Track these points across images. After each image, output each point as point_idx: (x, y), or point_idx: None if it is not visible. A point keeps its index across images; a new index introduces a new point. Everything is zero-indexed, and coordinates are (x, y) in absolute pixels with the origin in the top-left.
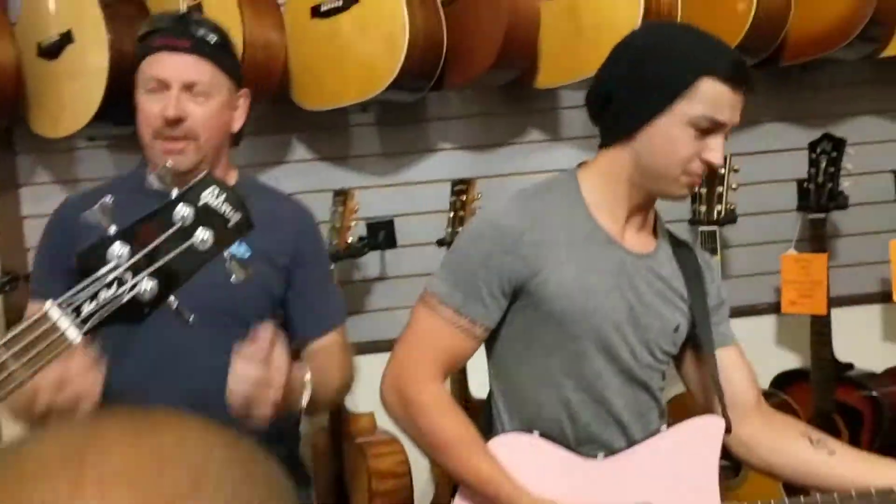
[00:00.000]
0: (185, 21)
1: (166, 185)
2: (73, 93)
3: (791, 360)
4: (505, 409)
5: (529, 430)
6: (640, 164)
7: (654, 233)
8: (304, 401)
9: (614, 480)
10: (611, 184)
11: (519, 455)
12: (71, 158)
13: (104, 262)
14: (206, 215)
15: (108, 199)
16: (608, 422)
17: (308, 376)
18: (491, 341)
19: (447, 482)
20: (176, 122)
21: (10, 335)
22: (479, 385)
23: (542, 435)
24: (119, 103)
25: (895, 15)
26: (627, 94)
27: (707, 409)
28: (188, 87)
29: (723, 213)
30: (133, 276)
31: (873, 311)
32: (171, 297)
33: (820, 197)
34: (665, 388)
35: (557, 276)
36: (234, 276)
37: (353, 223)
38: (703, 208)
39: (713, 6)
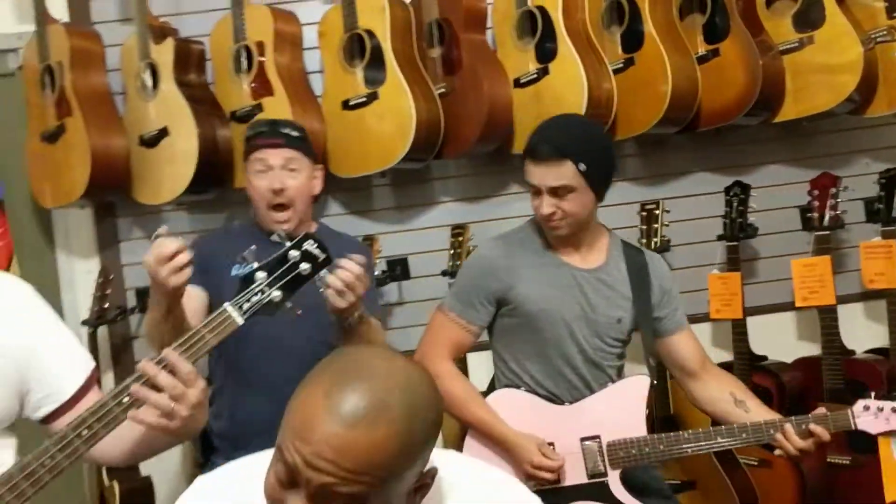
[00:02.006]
0: (275, 126)
1: (282, 239)
2: (170, 171)
3: (720, 355)
4: (502, 376)
5: (517, 387)
6: None
7: (606, 249)
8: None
9: (575, 420)
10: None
11: (510, 403)
12: (158, 219)
13: (253, 281)
14: (306, 255)
15: (253, 248)
16: (566, 386)
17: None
18: (490, 333)
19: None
20: (280, 191)
21: (207, 320)
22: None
23: (527, 390)
24: (200, 178)
25: (779, 93)
26: None
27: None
28: (285, 167)
29: (658, 243)
30: (269, 289)
31: (783, 317)
32: (288, 302)
33: (734, 229)
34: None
35: (525, 289)
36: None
37: (376, 261)
38: (644, 240)
39: (641, 90)
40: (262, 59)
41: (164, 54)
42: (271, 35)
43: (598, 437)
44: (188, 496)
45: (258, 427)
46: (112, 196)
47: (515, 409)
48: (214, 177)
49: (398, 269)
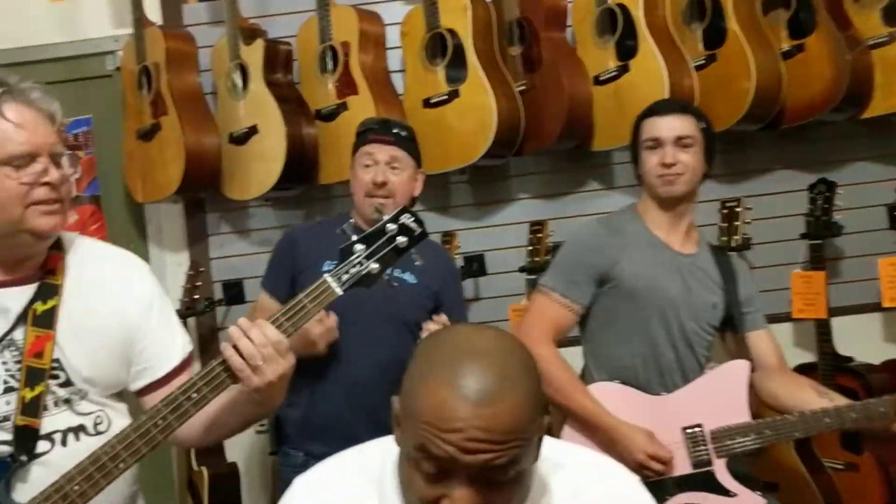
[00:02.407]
0: (387, 124)
1: (379, 216)
2: (258, 168)
3: (802, 356)
4: (594, 366)
5: (612, 380)
6: None
7: (697, 242)
8: None
9: (673, 409)
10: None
11: (608, 397)
12: (244, 215)
13: (352, 253)
14: (403, 228)
15: (352, 221)
16: (663, 370)
17: None
18: (583, 323)
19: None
20: (382, 185)
21: (306, 291)
22: None
23: (622, 383)
24: (287, 175)
25: (867, 88)
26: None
27: None
28: (390, 164)
29: (739, 241)
30: (366, 261)
31: (870, 318)
32: (385, 273)
33: (818, 227)
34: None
35: (631, 266)
36: (417, 261)
37: (454, 257)
38: (725, 238)
39: (724, 87)
40: (347, 58)
41: (253, 55)
42: (356, 35)
43: (699, 425)
44: (294, 498)
45: (333, 421)
46: (203, 192)
47: (613, 401)
48: (300, 173)
49: (475, 265)
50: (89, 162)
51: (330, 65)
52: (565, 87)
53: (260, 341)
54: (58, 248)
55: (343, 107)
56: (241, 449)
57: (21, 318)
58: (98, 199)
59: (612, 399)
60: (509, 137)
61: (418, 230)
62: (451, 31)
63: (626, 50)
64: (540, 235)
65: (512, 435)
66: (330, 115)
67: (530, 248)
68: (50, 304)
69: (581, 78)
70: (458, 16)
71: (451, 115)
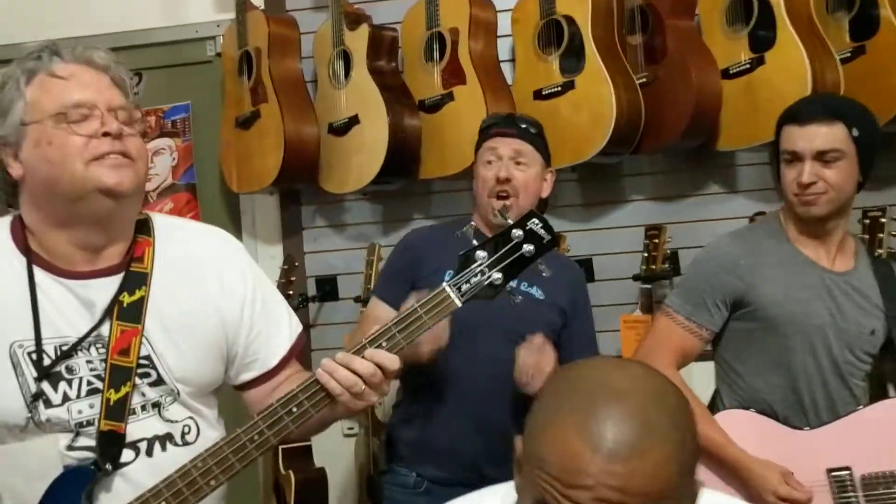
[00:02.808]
0: (511, 117)
1: (502, 220)
2: (358, 160)
3: None
4: (725, 392)
5: (746, 408)
6: None
7: (854, 254)
8: None
9: (818, 448)
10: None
11: (738, 425)
12: (340, 208)
13: (474, 260)
14: (530, 235)
15: (472, 223)
16: (808, 406)
17: None
18: (716, 341)
19: None
20: (505, 181)
21: (423, 300)
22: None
23: (758, 412)
24: (387, 168)
25: None
26: None
27: None
28: (515, 159)
29: (883, 254)
30: (489, 270)
31: None
32: (509, 284)
33: None
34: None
35: (770, 289)
36: (545, 272)
37: None
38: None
39: (873, 82)
40: (456, 46)
41: (357, 41)
42: (467, 21)
43: (848, 468)
44: None
45: (450, 445)
46: (299, 184)
47: (745, 433)
48: (400, 167)
49: (582, 269)
50: (186, 149)
51: (436, 53)
52: (693, 80)
53: (369, 374)
54: (146, 233)
55: (449, 97)
56: (331, 456)
57: (108, 312)
58: (194, 187)
59: (744, 430)
60: (628, 133)
61: (547, 238)
62: (568, 18)
63: (761, 40)
64: (657, 241)
65: (653, 495)
66: (434, 106)
67: (645, 254)
68: (137, 294)
69: (710, 70)
70: (576, 1)
71: (565, 108)
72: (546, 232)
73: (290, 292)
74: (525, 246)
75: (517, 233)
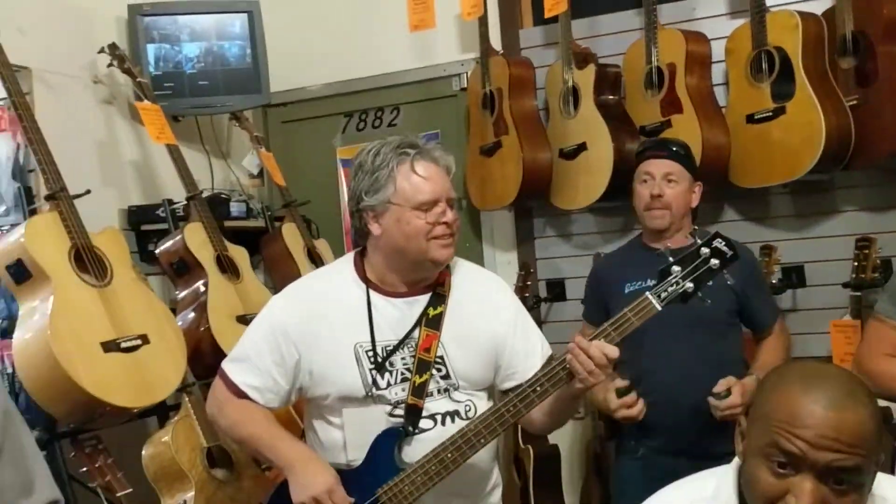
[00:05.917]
0: (664, 141)
1: (667, 254)
2: (585, 181)
3: None
4: None
5: None
6: None
7: None
8: None
9: None
10: None
11: None
12: (567, 221)
13: (670, 273)
14: (715, 252)
15: (670, 244)
16: None
17: None
18: None
19: None
20: (658, 197)
21: (630, 306)
22: None
23: None
24: (610, 188)
25: None
26: None
27: None
28: (665, 177)
29: None
30: (682, 281)
31: None
32: (699, 292)
33: None
34: None
35: None
36: (728, 281)
37: (774, 268)
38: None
39: None
40: (673, 79)
41: (585, 78)
42: (683, 57)
43: None
44: None
45: (658, 421)
46: (533, 202)
47: None
48: (620, 187)
49: (794, 276)
50: None
51: (655, 84)
52: None
53: (598, 358)
54: (447, 267)
55: (667, 124)
56: (564, 434)
57: (418, 321)
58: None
59: None
60: (837, 153)
61: (729, 253)
62: (779, 49)
63: None
64: (867, 251)
65: (858, 440)
66: (654, 132)
67: (856, 263)
68: (439, 309)
69: None
70: (787, 34)
71: (777, 131)
72: (728, 248)
73: (527, 294)
74: (712, 260)
75: (705, 250)
